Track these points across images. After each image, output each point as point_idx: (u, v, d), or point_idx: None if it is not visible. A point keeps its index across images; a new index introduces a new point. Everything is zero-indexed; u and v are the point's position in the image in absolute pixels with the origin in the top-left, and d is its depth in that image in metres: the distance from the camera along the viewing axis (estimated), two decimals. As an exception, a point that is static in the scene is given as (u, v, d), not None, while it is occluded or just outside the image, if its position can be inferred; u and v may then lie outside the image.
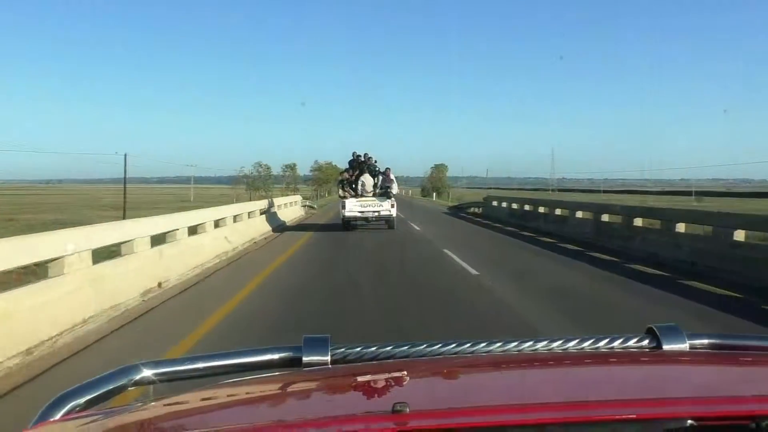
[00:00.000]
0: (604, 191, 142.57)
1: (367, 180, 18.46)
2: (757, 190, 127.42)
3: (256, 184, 67.37)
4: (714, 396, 0.85)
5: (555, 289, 8.44)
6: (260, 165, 71.03)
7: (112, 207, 42.56)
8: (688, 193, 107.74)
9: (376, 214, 17.93)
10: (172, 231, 9.73)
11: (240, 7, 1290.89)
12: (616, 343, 1.06)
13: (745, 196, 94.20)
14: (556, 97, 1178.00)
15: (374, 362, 1.04)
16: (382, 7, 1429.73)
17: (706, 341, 1.10)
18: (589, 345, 1.06)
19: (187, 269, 9.69)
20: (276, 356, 1.04)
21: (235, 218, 14.38)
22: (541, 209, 19.57)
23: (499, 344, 1.05)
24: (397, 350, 1.04)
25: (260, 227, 17.18)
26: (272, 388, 1.02)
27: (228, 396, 1.01)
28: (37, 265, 6.22)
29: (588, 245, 13.70)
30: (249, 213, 16.23)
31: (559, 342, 1.07)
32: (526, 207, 21.46)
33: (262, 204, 19.84)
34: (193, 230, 10.96)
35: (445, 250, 12.49)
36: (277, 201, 23.74)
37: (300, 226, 21.33)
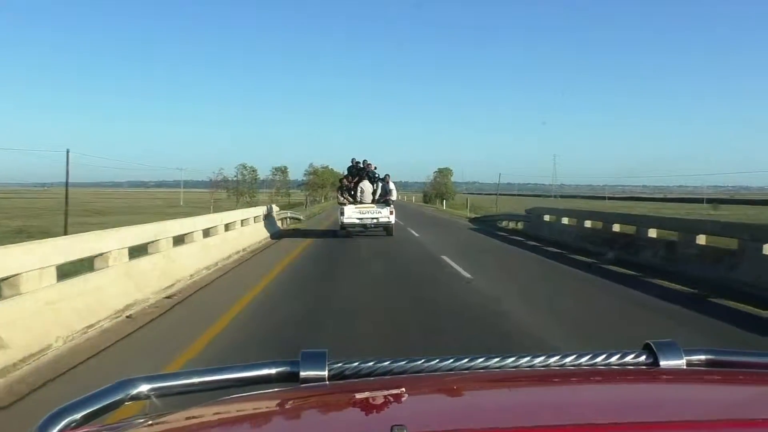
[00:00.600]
0: (609, 198, 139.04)
1: (366, 187, 18.23)
2: (759, 197, 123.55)
3: (240, 188, 59.66)
4: (715, 419, 0.83)
5: None
6: (244, 167, 62.00)
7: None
8: (698, 201, 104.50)
9: (375, 221, 17.71)
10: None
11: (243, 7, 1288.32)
12: (613, 359, 1.05)
13: (750, 204, 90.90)
14: (555, 104, 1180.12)
15: (372, 379, 1.02)
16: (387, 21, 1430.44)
17: (703, 357, 1.08)
18: (586, 361, 1.05)
19: None
20: (273, 371, 1.02)
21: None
22: (653, 233, 12.39)
23: (496, 360, 1.04)
24: (395, 365, 1.03)
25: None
26: (269, 406, 1.01)
27: (225, 413, 1.00)
28: None
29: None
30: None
31: (557, 358, 1.05)
32: (616, 227, 14.15)
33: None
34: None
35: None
36: (204, 221, 12.24)
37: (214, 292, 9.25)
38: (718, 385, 1.06)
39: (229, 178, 60.70)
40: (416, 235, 19.45)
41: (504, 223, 25.03)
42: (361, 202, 17.95)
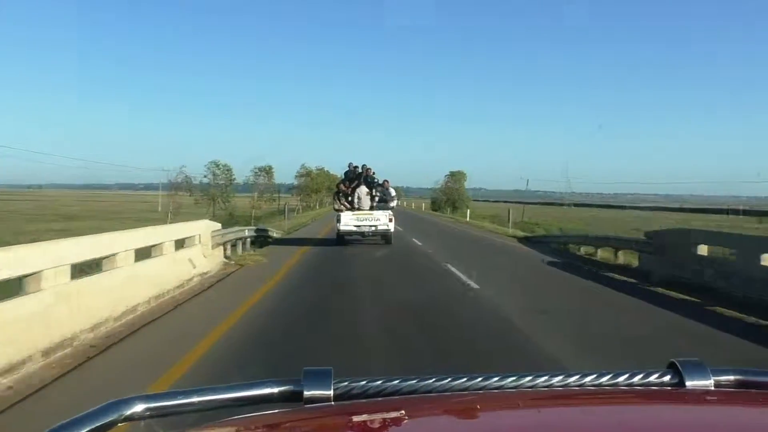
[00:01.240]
0: (624, 207, 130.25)
1: (363, 192, 17.53)
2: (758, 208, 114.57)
3: (212, 191, 48.15)
4: None
5: None
6: (216, 165, 49.75)
7: None
8: (722, 212, 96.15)
9: (373, 228, 17.17)
10: None
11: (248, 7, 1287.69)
12: (636, 379, 0.99)
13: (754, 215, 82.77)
14: (564, 110, 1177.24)
15: (381, 399, 0.95)
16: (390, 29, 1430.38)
17: (732, 377, 1.00)
18: (607, 380, 0.98)
19: None
20: (275, 390, 0.94)
21: None
22: None
23: (512, 378, 0.97)
24: (405, 384, 0.96)
25: None
26: (271, 428, 0.95)
27: None
28: None
29: None
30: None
31: (576, 377, 0.98)
32: None
33: None
34: None
35: None
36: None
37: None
38: (748, 407, 0.98)
39: (195, 180, 49.83)
40: (476, 286, 9.93)
41: (581, 250, 16.63)
42: (358, 209, 17.29)
